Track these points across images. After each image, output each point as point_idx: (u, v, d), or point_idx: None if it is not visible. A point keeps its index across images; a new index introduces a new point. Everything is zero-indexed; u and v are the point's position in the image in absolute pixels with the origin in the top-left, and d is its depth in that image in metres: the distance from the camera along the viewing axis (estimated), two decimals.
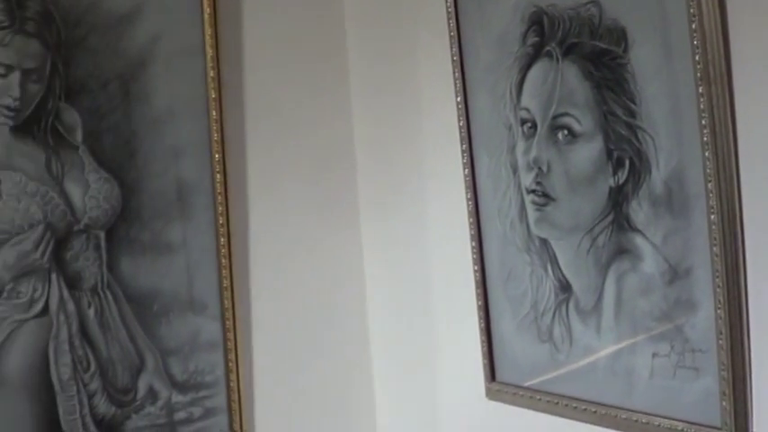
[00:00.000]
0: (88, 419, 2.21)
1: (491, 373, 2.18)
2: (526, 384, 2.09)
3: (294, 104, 2.51)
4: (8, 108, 2.11)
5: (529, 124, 1.98)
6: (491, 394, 2.19)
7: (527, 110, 1.98)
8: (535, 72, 1.96)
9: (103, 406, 2.23)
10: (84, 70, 2.21)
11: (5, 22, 2.11)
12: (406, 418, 2.53)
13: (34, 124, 2.16)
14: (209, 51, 2.35)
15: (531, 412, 2.08)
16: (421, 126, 2.37)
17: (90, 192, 2.20)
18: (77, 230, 2.19)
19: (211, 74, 2.35)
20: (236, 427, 2.40)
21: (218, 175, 2.35)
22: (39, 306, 2.15)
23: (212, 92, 2.36)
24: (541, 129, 1.95)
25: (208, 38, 2.35)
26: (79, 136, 2.20)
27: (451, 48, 2.16)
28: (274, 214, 2.49)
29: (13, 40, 2.11)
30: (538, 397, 2.06)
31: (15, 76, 2.11)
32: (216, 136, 2.35)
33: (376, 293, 2.57)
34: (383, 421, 2.58)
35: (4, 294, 2.12)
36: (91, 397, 2.21)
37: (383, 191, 2.53)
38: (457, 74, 2.16)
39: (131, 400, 2.27)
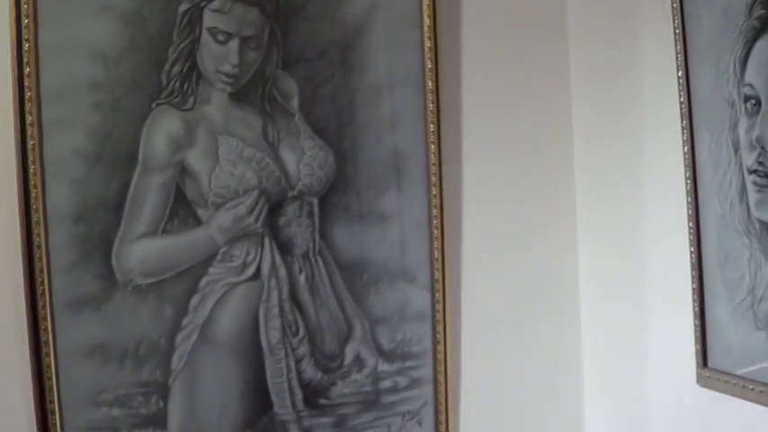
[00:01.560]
0: (295, 383, 2.25)
1: (703, 358, 2.08)
2: (739, 372, 1.98)
3: (511, 77, 2.46)
4: (227, 75, 2.16)
5: (753, 101, 1.86)
6: (702, 380, 2.09)
7: (751, 86, 1.86)
8: (761, 46, 1.84)
9: (310, 371, 2.26)
10: (302, 38, 2.22)
11: None
12: (614, 399, 2.45)
13: (252, 91, 2.19)
14: (427, 21, 2.33)
15: (743, 401, 1.98)
16: (640, 102, 2.27)
17: (305, 159, 2.23)
18: (291, 197, 2.22)
19: (428, 44, 2.33)
20: (441, 398, 2.39)
21: (433, 146, 2.34)
22: (251, 270, 2.20)
23: (428, 62, 2.33)
24: (766, 106, 1.83)
25: (425, 7, 2.32)
26: (295, 103, 2.23)
27: (674, 19, 2.06)
28: (487, 187, 2.45)
29: (233, 7, 2.15)
30: (751, 386, 1.95)
31: (234, 44, 2.15)
32: (431, 106, 2.33)
33: (588, 272, 2.50)
34: (590, 401, 2.51)
35: (218, 257, 2.17)
36: (298, 361, 2.25)
37: (599, 166, 2.45)
38: (679, 47, 2.05)
39: (338, 367, 2.29)
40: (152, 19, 2.10)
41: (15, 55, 2.01)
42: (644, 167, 2.28)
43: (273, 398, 2.23)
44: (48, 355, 2.05)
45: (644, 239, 2.30)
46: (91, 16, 2.05)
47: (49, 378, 2.06)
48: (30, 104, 2.02)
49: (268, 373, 2.22)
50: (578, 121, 2.51)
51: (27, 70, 2.01)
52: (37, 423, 2.06)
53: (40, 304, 2.04)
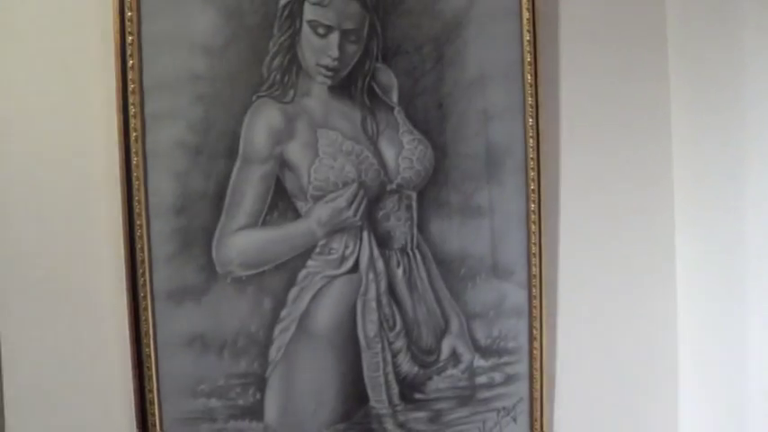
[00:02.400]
0: (391, 377, 2.24)
1: None
2: None
3: (609, 72, 2.42)
4: (327, 68, 2.15)
5: None
6: None
7: None
8: None
9: (406, 365, 2.25)
10: (401, 32, 2.21)
11: None
12: (711, 399, 2.41)
13: (351, 84, 2.19)
14: (526, 14, 2.30)
15: None
16: (741, 85, 2.22)
17: (403, 153, 2.22)
18: (390, 190, 2.22)
19: (527, 37, 2.31)
20: (537, 395, 2.37)
21: (531, 140, 2.31)
22: (349, 263, 2.19)
23: (527, 55, 2.31)
24: None
25: (524, 0, 2.30)
26: (395, 97, 2.22)
27: None
28: (585, 182, 2.41)
29: (333, 1, 2.15)
30: None
31: (335, 37, 2.15)
32: (530, 100, 2.31)
33: (686, 269, 2.45)
34: (686, 400, 2.47)
35: (317, 250, 2.17)
36: (395, 355, 2.24)
37: (698, 163, 2.40)
38: None
39: (434, 361, 2.28)
40: (253, 12, 2.10)
41: (119, 47, 2.03)
42: (745, 168, 2.23)
43: (369, 391, 2.22)
44: (148, 345, 2.07)
45: (744, 238, 2.24)
46: (193, 9, 2.07)
47: (149, 368, 2.08)
48: (133, 97, 2.04)
49: (364, 367, 2.21)
50: (677, 115, 2.46)
51: (130, 63, 2.03)
52: (136, 412, 2.09)
53: (141, 295, 2.06)
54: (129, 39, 2.03)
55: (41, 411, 2.07)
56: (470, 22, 2.26)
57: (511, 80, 2.30)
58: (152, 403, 2.08)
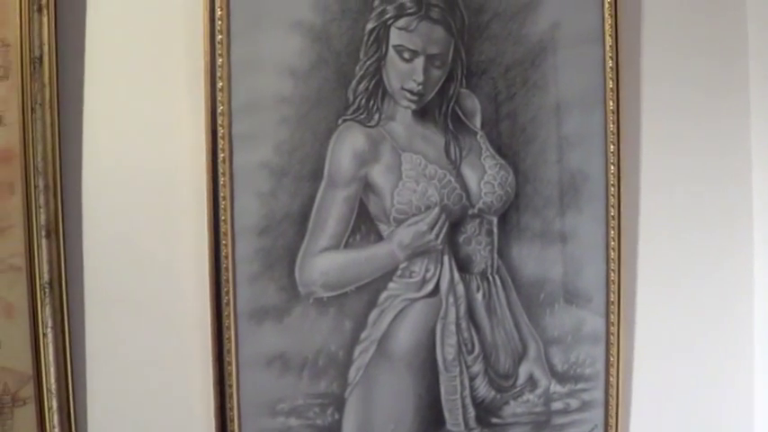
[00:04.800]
0: (468, 401, 2.24)
1: None
2: None
3: (692, 101, 2.42)
4: (411, 92, 2.17)
5: None
6: None
7: None
8: None
9: (483, 389, 2.26)
10: (485, 57, 2.23)
11: (413, 9, 2.17)
12: None
13: (435, 108, 2.20)
14: (608, 40, 2.31)
15: None
16: None
17: (486, 177, 2.23)
18: (471, 215, 2.23)
19: (609, 63, 2.31)
20: (612, 422, 2.37)
21: (612, 167, 2.31)
22: (430, 286, 2.20)
23: (609, 81, 2.31)
24: None
25: (607, 26, 2.30)
26: (478, 122, 2.23)
27: None
28: (665, 211, 2.41)
29: (419, 26, 2.16)
30: None
31: (420, 61, 2.17)
32: (611, 127, 2.31)
33: (766, 299, 2.43)
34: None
35: (398, 273, 2.19)
36: (472, 379, 2.24)
37: None
38: None
39: (511, 386, 2.29)
40: (340, 36, 2.12)
41: (209, 70, 2.06)
42: None
43: (446, 414, 2.23)
44: (230, 363, 2.09)
45: None
46: (281, 33, 2.09)
47: (230, 386, 2.10)
48: (222, 118, 2.07)
49: (442, 390, 2.22)
50: (758, 144, 2.44)
51: (220, 85, 2.06)
52: (216, 429, 2.10)
53: (224, 314, 2.08)
54: (219, 61, 2.06)
55: (124, 427, 2.10)
56: (554, 48, 2.27)
57: (593, 106, 2.31)
58: (232, 421, 2.11)
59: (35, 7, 2.00)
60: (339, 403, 2.17)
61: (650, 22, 2.39)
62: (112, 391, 2.09)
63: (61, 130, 2.02)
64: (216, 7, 2.06)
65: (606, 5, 2.30)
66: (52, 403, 2.04)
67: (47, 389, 2.04)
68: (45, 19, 2.01)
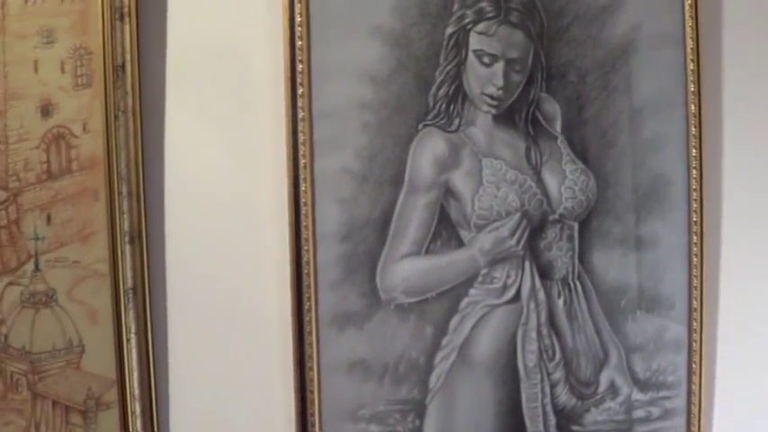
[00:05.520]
0: (549, 408, 2.22)
1: None
2: None
3: None
4: (491, 97, 2.16)
5: None
6: None
7: None
8: None
9: (564, 396, 2.23)
10: (565, 60, 2.21)
11: (492, 13, 2.16)
12: None
13: (515, 113, 2.19)
14: (689, 42, 2.28)
15: None
16: None
17: (566, 182, 2.21)
18: (552, 220, 2.21)
19: (691, 66, 2.28)
20: (694, 430, 2.33)
21: (694, 171, 2.28)
22: (511, 292, 2.19)
23: (691, 84, 2.28)
24: None
25: (688, 29, 2.27)
26: (558, 126, 2.22)
27: None
28: (749, 216, 2.37)
29: (498, 30, 2.15)
30: None
31: (499, 66, 2.15)
32: (693, 130, 2.28)
33: None
34: None
35: (479, 279, 2.17)
36: (553, 386, 2.22)
37: None
38: None
39: (592, 394, 2.26)
40: (419, 41, 2.12)
41: (290, 76, 2.07)
42: None
43: (527, 422, 2.21)
44: (311, 369, 2.09)
45: None
46: (361, 38, 2.09)
47: (312, 392, 2.10)
48: (302, 124, 2.07)
49: (523, 397, 2.20)
50: None
51: (300, 90, 2.07)
52: None
53: (306, 320, 2.08)
54: (300, 67, 2.07)
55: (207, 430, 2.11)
56: (634, 51, 2.25)
57: (673, 109, 2.28)
58: (313, 426, 2.11)
59: (117, 16, 2.02)
60: (420, 410, 2.16)
61: (731, 22, 2.35)
62: (194, 396, 2.10)
63: (143, 136, 2.03)
64: (296, 13, 2.06)
65: (687, 7, 2.27)
66: (135, 408, 2.05)
67: (130, 393, 2.05)
68: (127, 27, 2.03)
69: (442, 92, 2.13)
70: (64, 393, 2.05)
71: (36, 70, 2.01)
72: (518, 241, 2.17)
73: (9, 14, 1.99)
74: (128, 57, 2.03)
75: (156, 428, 2.08)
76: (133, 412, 2.06)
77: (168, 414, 2.10)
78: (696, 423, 2.33)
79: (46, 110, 2.02)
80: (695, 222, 2.28)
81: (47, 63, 2.01)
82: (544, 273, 2.21)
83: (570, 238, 2.22)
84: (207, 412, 2.11)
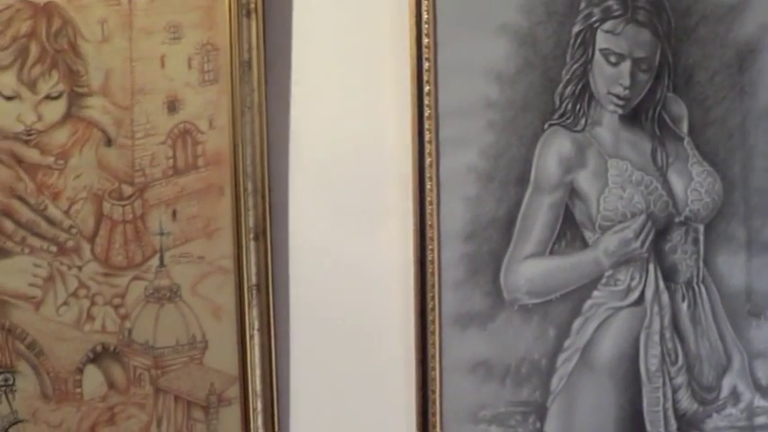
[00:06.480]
0: (670, 413, 2.19)
1: None
2: None
3: None
4: (618, 96, 2.13)
5: None
6: None
7: None
8: None
9: (686, 401, 2.20)
10: (692, 61, 2.17)
11: (619, 11, 2.13)
12: None
13: (642, 113, 2.16)
14: None
15: None
16: None
17: (692, 184, 2.17)
18: (677, 222, 2.17)
19: None
20: None
21: None
22: (635, 295, 2.16)
23: None
24: None
25: None
26: (685, 127, 2.18)
27: None
28: None
29: (625, 29, 2.13)
30: None
31: (626, 65, 2.13)
32: None
33: None
34: None
35: (603, 281, 2.15)
36: (675, 391, 2.19)
37: None
38: None
39: (714, 399, 2.23)
40: (546, 39, 2.10)
41: (416, 74, 2.06)
42: None
43: (648, 427, 2.19)
44: (434, 368, 2.09)
45: None
46: (487, 36, 2.08)
47: (434, 391, 2.09)
48: (429, 122, 2.06)
49: (644, 402, 2.18)
50: None
51: (427, 89, 2.06)
52: None
53: (429, 319, 2.07)
54: (426, 65, 2.06)
55: (326, 429, 2.11)
56: (762, 51, 2.20)
57: None
58: (434, 426, 2.10)
59: (244, 12, 2.02)
60: (541, 412, 2.14)
61: None
62: (315, 394, 2.10)
63: (269, 133, 2.03)
64: (422, 11, 2.05)
65: None
66: (257, 404, 2.06)
67: (252, 390, 2.05)
68: (254, 23, 2.03)
69: (568, 91, 2.11)
70: (186, 388, 2.06)
71: (163, 66, 2.02)
72: (643, 243, 2.14)
73: (136, 10, 2.00)
74: (254, 53, 2.03)
75: (276, 425, 2.08)
76: (254, 409, 2.06)
77: (289, 411, 2.10)
78: None
79: (172, 105, 2.02)
80: None
81: (174, 59, 2.02)
82: (668, 276, 2.17)
83: (695, 241, 2.18)
84: (327, 411, 2.11)
